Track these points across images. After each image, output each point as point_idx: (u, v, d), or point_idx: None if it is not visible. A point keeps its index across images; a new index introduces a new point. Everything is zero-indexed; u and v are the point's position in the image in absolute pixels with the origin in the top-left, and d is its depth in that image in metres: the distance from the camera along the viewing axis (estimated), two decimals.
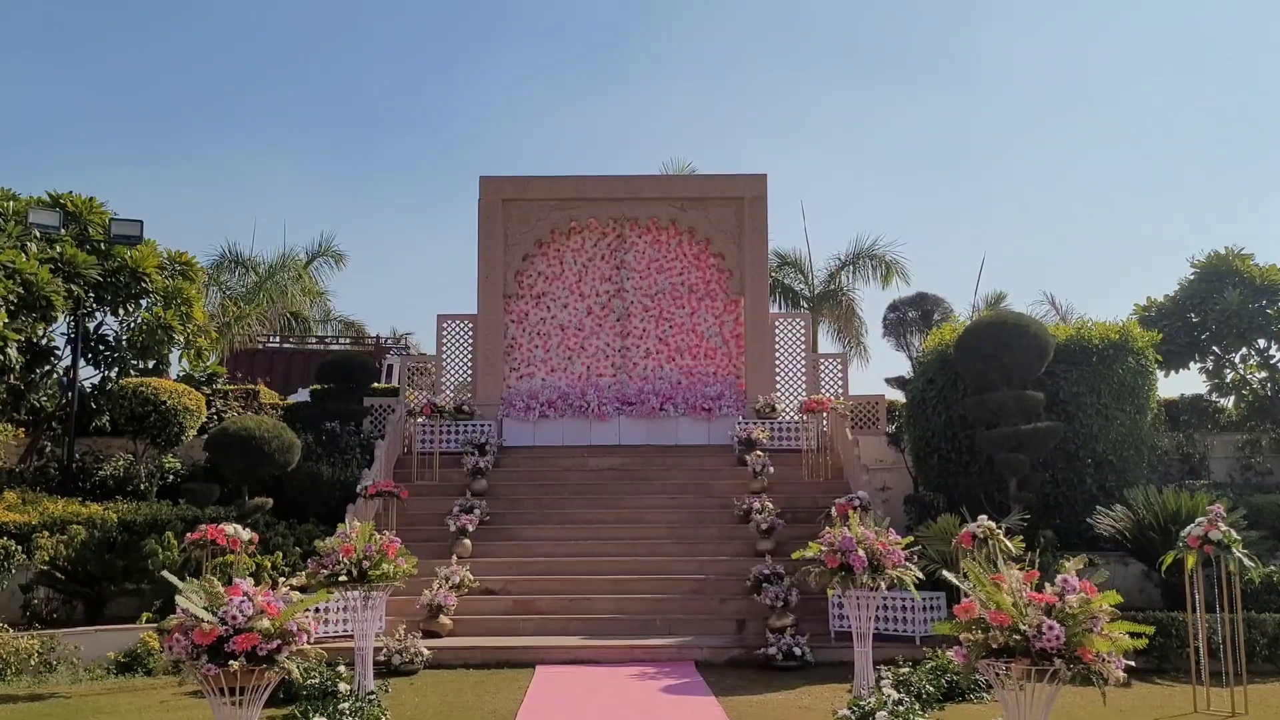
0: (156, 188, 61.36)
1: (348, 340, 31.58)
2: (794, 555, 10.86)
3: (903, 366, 32.55)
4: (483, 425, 21.86)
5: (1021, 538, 13.77)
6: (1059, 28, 62.18)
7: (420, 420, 21.57)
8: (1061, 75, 62.68)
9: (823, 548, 10.38)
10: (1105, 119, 63.44)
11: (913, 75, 64.93)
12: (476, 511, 18.69)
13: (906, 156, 62.84)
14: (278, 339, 34.27)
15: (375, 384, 24.83)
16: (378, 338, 30.27)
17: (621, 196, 23.88)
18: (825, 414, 21.31)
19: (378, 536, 10.66)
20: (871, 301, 66.51)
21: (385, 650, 14.10)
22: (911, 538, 11.44)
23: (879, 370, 57.35)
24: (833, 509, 16.98)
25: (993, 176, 65.64)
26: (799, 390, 23.41)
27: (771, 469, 20.16)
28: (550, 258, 24.08)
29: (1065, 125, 62.98)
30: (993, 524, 13.53)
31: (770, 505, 18.72)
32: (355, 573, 10.34)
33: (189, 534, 13.72)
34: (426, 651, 14.29)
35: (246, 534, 13.73)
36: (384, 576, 10.40)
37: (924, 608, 14.87)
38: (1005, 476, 16.43)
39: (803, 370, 23.49)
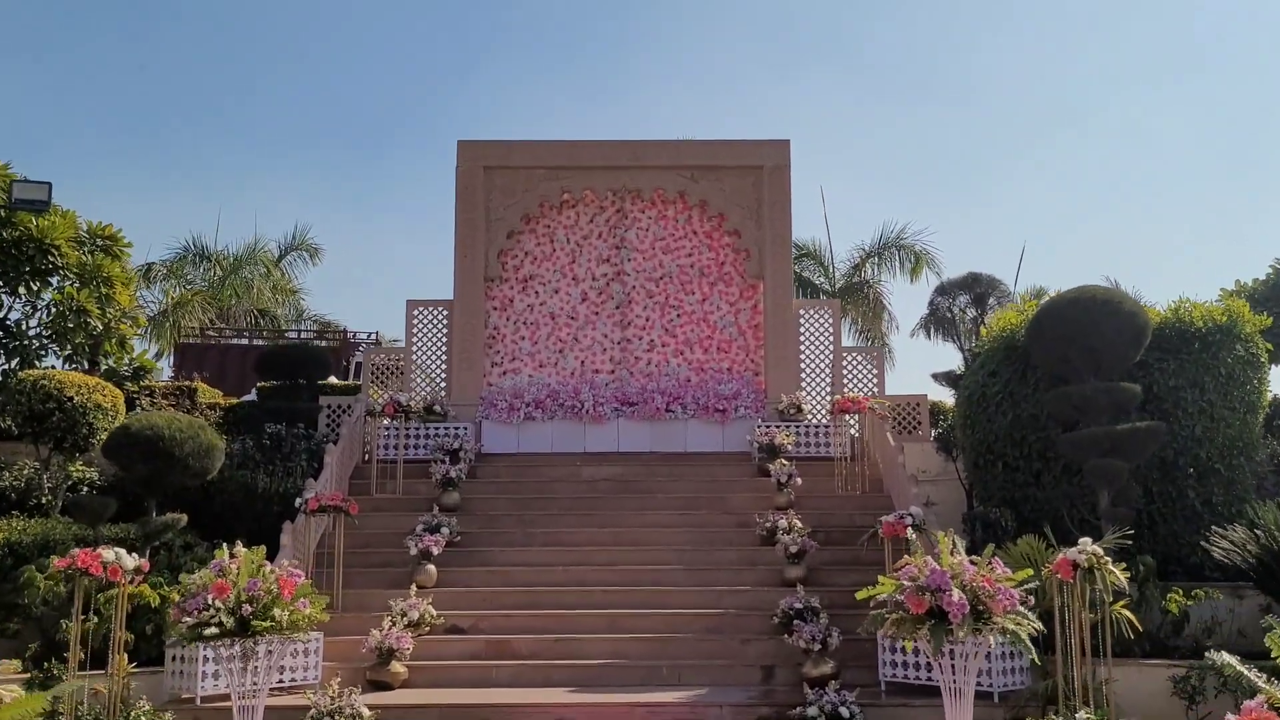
0: (118, 181, 58.39)
1: (310, 334, 28.62)
2: (859, 595, 7.88)
3: (946, 361, 29.90)
4: (457, 428, 18.90)
5: (1124, 565, 10.85)
6: (1073, 28, 59.32)
7: (384, 422, 18.60)
8: (1074, 74, 59.77)
9: (904, 584, 7.34)
10: (1136, 109, 60.52)
11: (923, 74, 62.07)
12: (445, 530, 15.73)
13: (922, 152, 59.81)
14: (244, 337, 31.32)
15: (334, 380, 21.88)
16: (344, 332, 27.31)
17: (622, 164, 20.98)
18: (860, 416, 18.37)
19: (270, 569, 7.65)
20: (899, 296, 63.23)
21: (314, 711, 11.10)
22: (1029, 570, 8.38)
23: (906, 372, 54.14)
24: (879, 528, 14.17)
25: (1015, 171, 62.66)
26: (826, 389, 20.43)
27: (799, 480, 17.16)
28: (539, 235, 21.16)
29: (1087, 119, 60.03)
30: (1098, 549, 10.60)
31: (799, 523, 15.77)
32: (233, 622, 7.30)
33: (59, 561, 10.78)
34: (368, 712, 11.29)
35: (132, 560, 10.82)
36: (276, 627, 7.38)
37: (1002, 655, 11.83)
38: (1096, 488, 13.42)
39: (831, 366, 20.49)
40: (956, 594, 7.21)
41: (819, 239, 31.70)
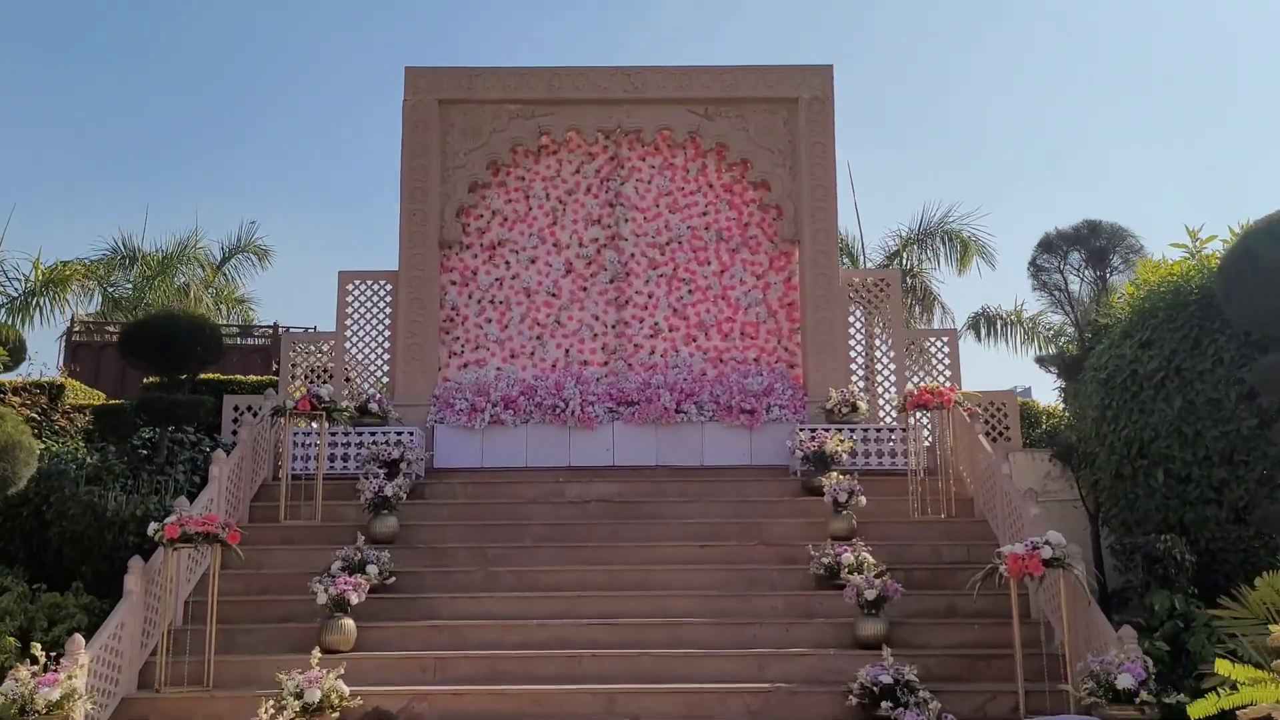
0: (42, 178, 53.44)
1: (234, 331, 24.17)
2: (1194, 711, 3.47)
3: (1002, 365, 25.90)
4: (400, 434, 14.54)
5: None
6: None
7: (310, 426, 14.28)
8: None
9: None
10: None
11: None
12: (372, 570, 11.45)
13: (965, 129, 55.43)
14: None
15: (253, 377, 17.44)
16: (275, 326, 22.89)
17: (617, 98, 16.84)
18: (939, 416, 14.15)
19: None
20: (944, 291, 58.22)
21: None
22: None
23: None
24: (1000, 564, 9.97)
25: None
26: (884, 383, 16.19)
27: (864, 499, 12.85)
28: (511, 189, 16.95)
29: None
30: None
31: (870, 559, 11.47)
32: None
33: None
34: None
35: None
36: None
37: None
38: None
39: (888, 354, 16.24)
40: None
41: (846, 225, 27.40)
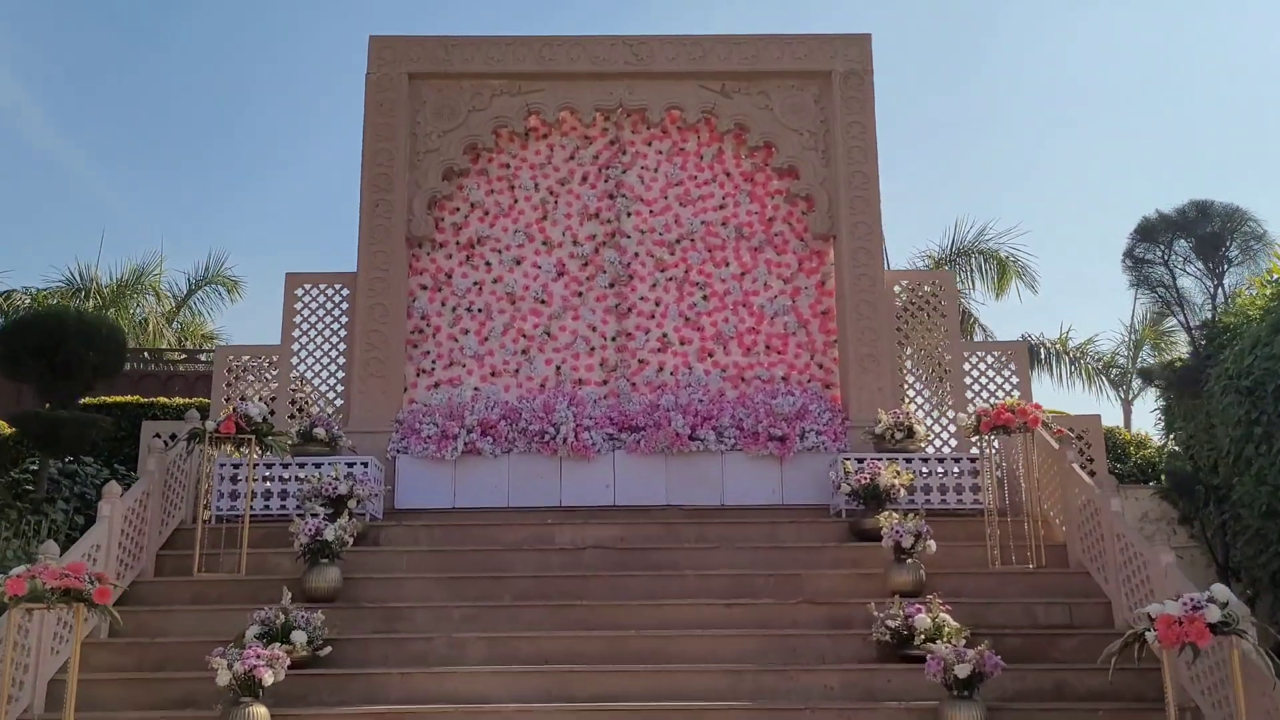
0: None
1: (179, 356, 21.41)
2: None
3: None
4: (352, 466, 11.77)
5: None
6: None
7: (238, 455, 11.63)
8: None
9: None
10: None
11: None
12: (300, 637, 8.79)
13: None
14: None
15: (173, 399, 14.70)
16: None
17: (618, 71, 14.31)
18: (1020, 440, 11.44)
19: None
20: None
21: None
22: None
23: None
24: (1149, 633, 7.30)
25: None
26: (936, 406, 13.55)
27: (933, 545, 10.12)
28: (493, 178, 14.36)
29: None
30: None
31: (951, 621, 8.76)
32: None
33: None
34: None
35: None
36: None
37: None
38: None
39: (945, 371, 13.58)
40: None
41: None
